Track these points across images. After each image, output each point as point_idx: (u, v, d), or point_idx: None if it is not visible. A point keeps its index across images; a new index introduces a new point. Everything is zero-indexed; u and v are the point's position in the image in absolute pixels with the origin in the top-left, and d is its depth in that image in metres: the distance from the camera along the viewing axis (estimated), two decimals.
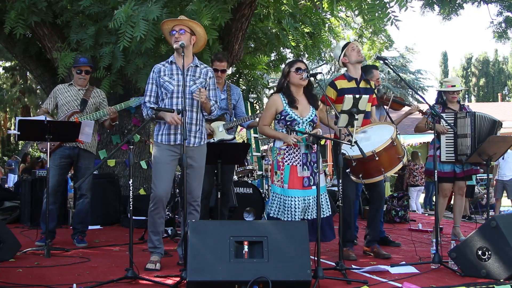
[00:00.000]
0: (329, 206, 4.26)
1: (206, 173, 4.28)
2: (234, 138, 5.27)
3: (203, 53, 5.95)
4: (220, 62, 4.97)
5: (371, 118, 4.73)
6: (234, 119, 5.18)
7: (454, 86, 5.49)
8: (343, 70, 5.50)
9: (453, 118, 5.37)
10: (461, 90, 5.67)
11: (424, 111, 5.58)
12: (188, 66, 4.02)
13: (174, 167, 4.07)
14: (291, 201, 4.04)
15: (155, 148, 4.04)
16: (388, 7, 5.53)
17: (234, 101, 5.20)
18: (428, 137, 5.37)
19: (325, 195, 4.24)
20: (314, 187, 4.11)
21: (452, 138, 5.37)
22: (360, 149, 3.87)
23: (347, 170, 4.30)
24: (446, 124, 4.99)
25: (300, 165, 4.11)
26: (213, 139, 4.99)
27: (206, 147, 4.15)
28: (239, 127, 6.16)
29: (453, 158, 5.35)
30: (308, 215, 4.11)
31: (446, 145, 5.38)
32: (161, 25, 4.09)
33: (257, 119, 5.10)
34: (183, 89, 3.74)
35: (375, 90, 4.84)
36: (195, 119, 4.00)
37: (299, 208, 4.04)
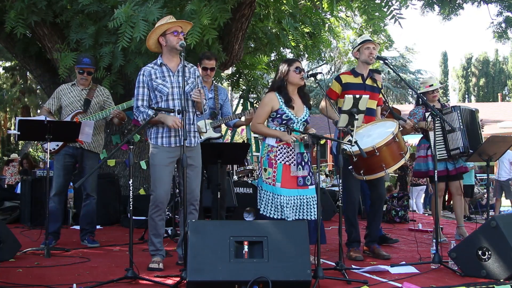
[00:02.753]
0: (315, 211, 4.08)
1: None
2: (222, 136, 5.26)
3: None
4: (209, 60, 4.97)
5: (375, 117, 4.68)
6: (220, 118, 5.20)
7: (432, 85, 5.51)
8: (343, 70, 5.47)
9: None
10: (439, 87, 5.66)
11: (417, 127, 5.51)
12: (178, 67, 4.04)
13: (173, 169, 4.10)
14: (282, 199, 4.02)
15: (154, 150, 4.02)
16: (391, 4, 5.55)
17: (221, 101, 5.20)
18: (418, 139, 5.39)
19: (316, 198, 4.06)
20: (310, 187, 4.11)
21: (441, 134, 5.36)
22: (360, 149, 3.86)
23: (349, 167, 4.25)
24: (438, 121, 4.96)
25: (294, 165, 4.09)
26: (200, 138, 5.00)
27: (200, 147, 4.17)
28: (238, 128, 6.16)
29: (446, 155, 5.35)
30: (301, 215, 4.06)
31: (437, 142, 5.37)
32: (159, 26, 3.97)
33: (243, 118, 5.12)
34: (183, 91, 3.78)
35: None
36: (192, 119, 4.02)
37: (289, 206, 4.02)
